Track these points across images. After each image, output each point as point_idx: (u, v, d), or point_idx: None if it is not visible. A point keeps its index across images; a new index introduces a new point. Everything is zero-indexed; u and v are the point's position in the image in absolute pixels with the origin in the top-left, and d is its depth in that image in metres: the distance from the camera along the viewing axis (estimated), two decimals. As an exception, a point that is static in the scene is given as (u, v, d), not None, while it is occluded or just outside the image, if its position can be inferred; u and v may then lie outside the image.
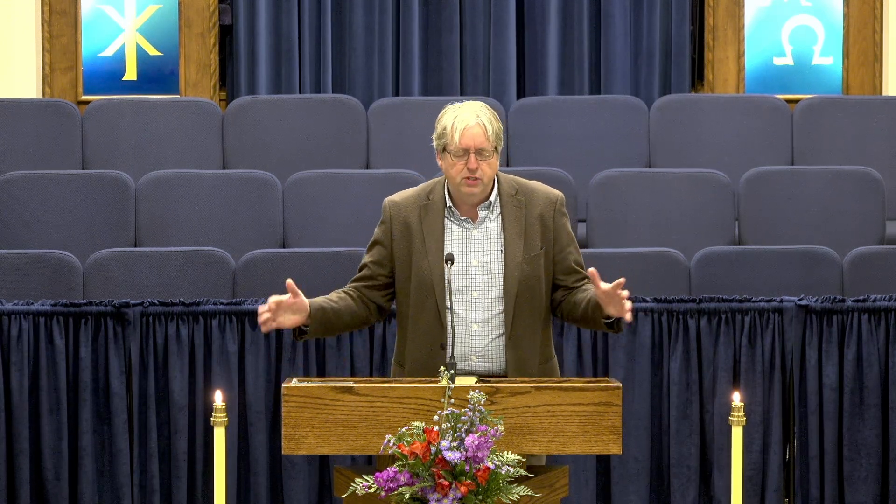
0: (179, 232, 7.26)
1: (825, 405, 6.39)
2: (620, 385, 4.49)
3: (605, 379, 4.57)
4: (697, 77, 8.97)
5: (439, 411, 4.21)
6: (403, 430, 4.20)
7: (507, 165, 7.88)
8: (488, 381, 4.54)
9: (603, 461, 6.44)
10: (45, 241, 7.11)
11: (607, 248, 6.98)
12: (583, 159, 7.86)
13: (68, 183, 7.33)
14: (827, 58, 8.87)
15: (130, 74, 8.78)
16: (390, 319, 6.09)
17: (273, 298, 4.65)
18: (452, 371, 4.36)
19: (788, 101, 8.29)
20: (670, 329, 6.41)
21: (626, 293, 4.59)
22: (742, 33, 8.84)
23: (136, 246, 7.22)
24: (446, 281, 4.71)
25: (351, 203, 7.25)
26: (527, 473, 4.27)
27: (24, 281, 6.64)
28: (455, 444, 4.13)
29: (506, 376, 4.70)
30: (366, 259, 4.85)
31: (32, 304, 6.36)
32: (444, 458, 4.12)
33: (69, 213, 7.27)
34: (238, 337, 6.38)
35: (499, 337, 4.74)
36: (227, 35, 8.92)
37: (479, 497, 4.15)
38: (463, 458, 4.12)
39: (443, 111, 4.76)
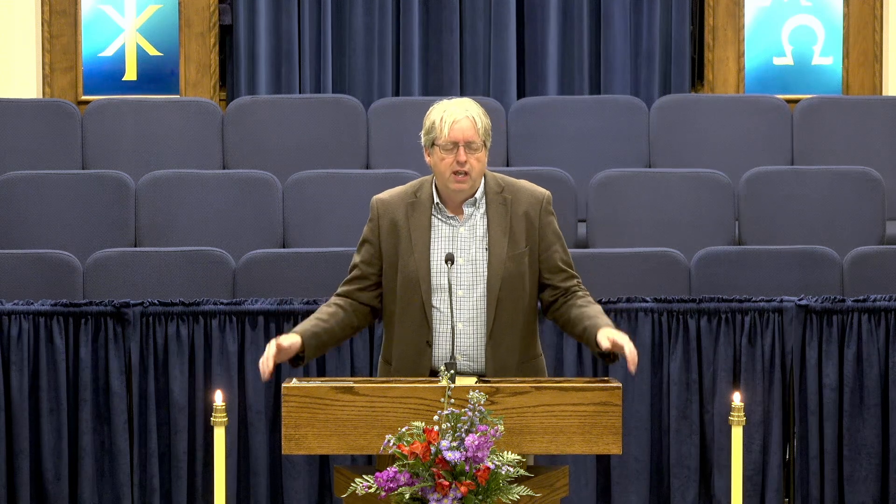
0: (179, 232, 7.26)
1: (825, 405, 6.39)
2: (620, 385, 4.49)
3: (605, 379, 4.57)
4: (697, 77, 8.98)
5: (439, 411, 4.21)
6: (403, 430, 4.20)
7: (507, 165, 7.89)
8: (488, 381, 4.54)
9: (603, 461, 6.44)
10: (45, 241, 7.11)
11: (607, 248, 6.98)
12: (583, 159, 7.86)
13: (68, 183, 7.33)
14: (827, 58, 8.87)
15: (130, 74, 8.78)
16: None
17: (272, 353, 4.61)
18: (453, 371, 4.37)
19: (788, 101, 8.29)
20: (670, 329, 6.41)
21: (634, 355, 4.55)
22: (742, 33, 8.85)
23: (136, 246, 7.22)
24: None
25: (351, 203, 7.25)
26: (527, 473, 4.27)
27: (24, 281, 6.64)
28: (455, 444, 4.13)
29: (484, 376, 4.70)
30: (356, 259, 4.85)
31: (32, 304, 6.36)
32: (444, 458, 4.12)
33: (69, 213, 7.27)
34: (238, 337, 6.38)
35: (483, 335, 4.74)
36: (227, 35, 8.92)
37: (479, 497, 4.15)
38: (463, 458, 4.12)
39: (430, 109, 4.75)
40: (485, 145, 4.70)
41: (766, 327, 6.40)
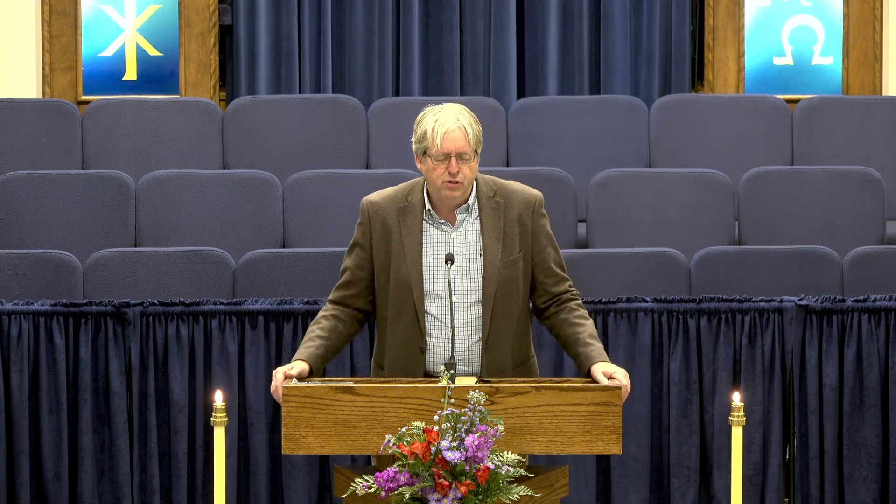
0: (179, 232, 7.25)
1: (825, 405, 6.39)
2: (620, 385, 4.49)
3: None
4: (697, 77, 8.98)
5: (439, 411, 4.21)
6: (403, 430, 4.20)
7: (507, 166, 7.88)
8: (488, 382, 4.54)
9: (603, 461, 6.44)
10: (45, 241, 7.11)
11: (607, 248, 6.98)
12: (583, 159, 7.86)
13: (68, 183, 7.33)
14: (827, 58, 8.87)
15: (130, 74, 8.78)
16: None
17: (281, 381, 4.59)
18: (453, 371, 4.37)
19: (788, 101, 8.29)
20: (670, 329, 6.41)
21: (626, 389, 4.55)
22: (742, 33, 8.85)
23: (136, 246, 7.22)
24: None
25: (351, 203, 7.20)
26: (527, 473, 4.27)
27: (24, 281, 6.64)
28: (455, 444, 4.13)
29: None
30: (347, 262, 4.83)
31: (32, 304, 6.36)
32: (444, 458, 4.12)
33: (69, 213, 7.27)
34: (238, 337, 6.38)
35: (477, 342, 4.73)
36: (227, 35, 8.92)
37: (479, 497, 4.15)
38: (463, 458, 4.13)
39: (421, 114, 4.73)
40: (476, 153, 4.69)
41: (766, 327, 6.40)
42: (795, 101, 8.26)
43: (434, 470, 4.14)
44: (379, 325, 4.83)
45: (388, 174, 7.26)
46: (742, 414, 4.39)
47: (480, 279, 4.71)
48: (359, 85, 8.79)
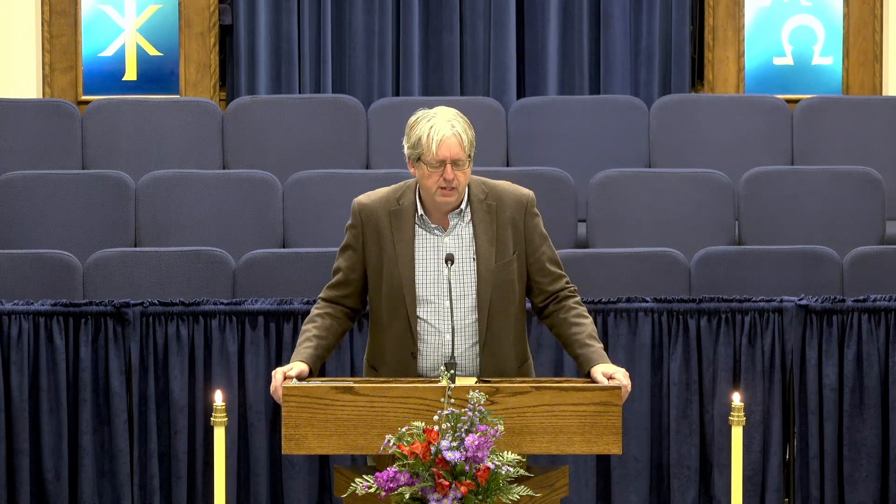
0: (179, 232, 7.25)
1: (825, 405, 6.39)
2: (621, 385, 4.49)
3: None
4: (697, 77, 8.98)
5: (439, 411, 4.21)
6: (403, 430, 4.20)
7: (508, 166, 7.88)
8: (488, 381, 4.54)
9: (603, 461, 6.44)
10: (45, 241, 7.11)
11: (607, 248, 6.97)
12: (583, 159, 7.86)
13: (68, 183, 7.33)
14: (827, 58, 8.87)
15: (130, 74, 8.78)
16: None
17: (280, 382, 4.59)
18: (453, 371, 4.37)
19: (788, 101, 8.29)
20: (670, 329, 6.41)
21: (626, 390, 4.55)
22: (742, 33, 8.85)
23: (136, 246, 7.22)
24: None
25: (351, 203, 7.23)
26: (527, 473, 4.27)
27: (24, 281, 6.64)
28: (455, 444, 4.13)
29: None
30: (339, 263, 4.83)
31: (32, 304, 6.36)
32: (444, 458, 4.13)
33: (69, 213, 7.27)
34: (238, 337, 6.38)
35: (472, 346, 4.72)
36: (227, 35, 8.92)
37: (479, 497, 4.15)
38: (463, 458, 4.13)
39: (414, 119, 4.70)
40: (470, 158, 4.68)
41: (766, 327, 6.40)
42: (795, 101, 8.26)
43: (434, 470, 4.14)
44: (372, 326, 4.83)
45: (388, 174, 7.26)
46: (742, 414, 4.39)
47: (475, 283, 4.70)
48: (359, 85, 8.79)
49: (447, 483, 4.13)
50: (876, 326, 6.39)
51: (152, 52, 8.80)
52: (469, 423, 4.15)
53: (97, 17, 8.78)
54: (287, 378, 4.58)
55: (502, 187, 4.79)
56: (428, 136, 4.62)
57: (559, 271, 4.80)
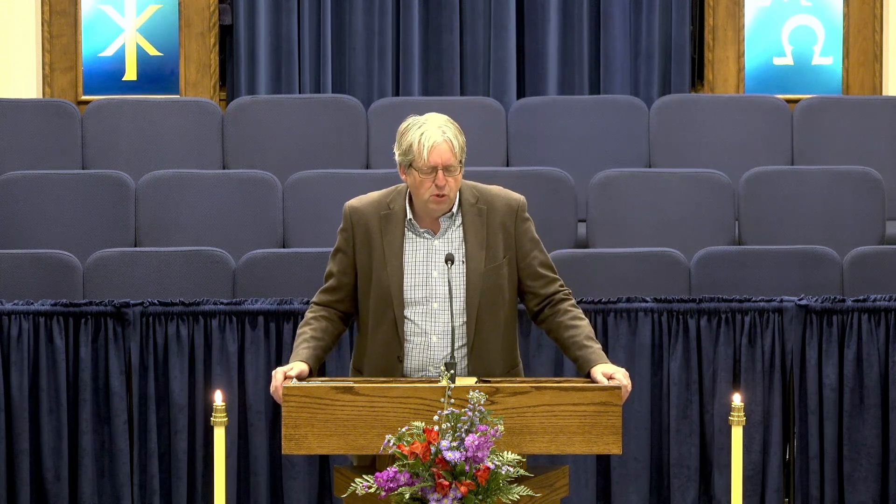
0: (179, 232, 7.25)
1: (825, 405, 6.39)
2: (621, 385, 4.49)
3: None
4: (697, 77, 8.98)
5: (439, 411, 4.22)
6: (403, 430, 4.21)
7: (507, 166, 7.89)
8: (488, 381, 4.54)
9: (603, 461, 6.44)
10: (45, 241, 7.11)
11: (607, 248, 6.97)
12: (583, 159, 7.86)
13: (68, 183, 7.33)
14: (827, 58, 8.87)
15: (130, 74, 8.78)
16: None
17: (281, 381, 4.59)
18: (452, 371, 4.37)
19: (788, 101, 8.29)
20: (670, 329, 6.41)
21: (626, 389, 4.54)
22: (742, 33, 8.85)
23: (136, 246, 7.22)
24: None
25: (347, 205, 7.24)
26: (527, 473, 4.27)
27: (24, 281, 6.64)
28: (455, 444, 4.13)
29: None
30: (331, 267, 4.83)
31: (32, 304, 6.36)
32: (444, 458, 4.13)
33: (69, 213, 7.27)
34: (238, 337, 6.38)
35: (459, 348, 4.72)
36: (227, 35, 8.92)
37: (479, 497, 4.15)
38: (463, 458, 4.13)
39: (405, 125, 4.70)
40: (461, 164, 4.69)
41: (766, 327, 6.40)
42: (795, 101, 8.26)
43: (434, 470, 4.14)
44: (360, 330, 4.83)
45: (388, 174, 7.25)
46: (742, 414, 4.39)
47: (464, 286, 4.70)
48: (359, 85, 8.79)
49: (447, 483, 4.13)
50: (876, 326, 6.39)
51: (152, 52, 8.80)
52: (469, 423, 4.15)
53: (97, 17, 8.78)
54: (287, 378, 4.58)
55: (494, 192, 4.79)
56: (419, 142, 4.63)
57: (552, 275, 4.80)
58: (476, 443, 4.12)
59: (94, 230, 7.24)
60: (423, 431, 4.17)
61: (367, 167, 7.90)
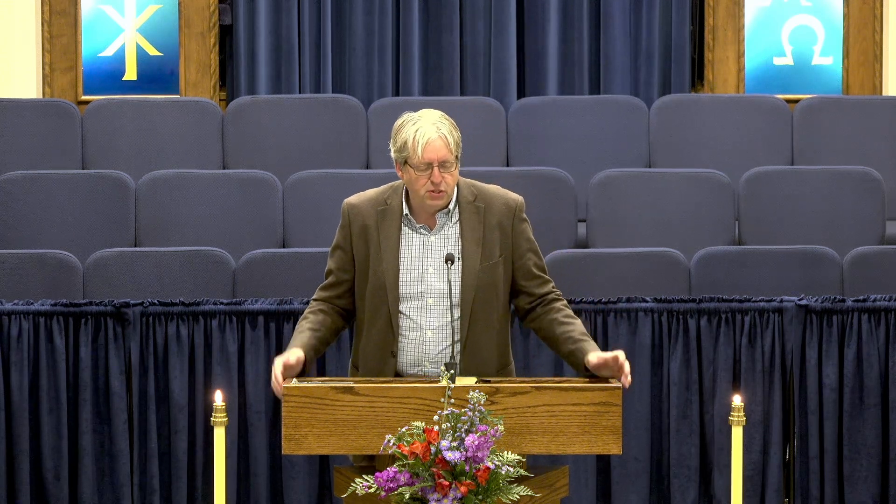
0: (179, 232, 7.26)
1: (825, 405, 6.39)
2: (621, 385, 4.49)
3: (605, 379, 4.57)
4: (697, 77, 8.98)
5: (439, 411, 4.22)
6: (403, 430, 4.21)
7: (507, 166, 7.89)
8: (489, 381, 4.54)
9: (603, 461, 6.44)
10: (45, 241, 7.11)
11: (607, 248, 6.98)
12: (583, 159, 7.86)
13: (68, 183, 7.33)
14: (827, 58, 8.87)
15: (130, 74, 8.78)
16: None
17: (280, 371, 4.59)
18: (453, 371, 4.37)
19: (788, 101, 8.29)
20: (670, 329, 6.41)
21: (626, 365, 4.53)
22: (742, 33, 8.85)
23: (136, 246, 7.22)
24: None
25: (345, 204, 7.24)
26: (527, 473, 4.27)
27: (24, 281, 6.64)
28: (455, 444, 4.13)
29: None
30: (331, 264, 4.84)
31: (32, 304, 6.36)
32: (444, 458, 4.13)
33: (69, 213, 7.27)
34: (238, 337, 6.38)
35: (453, 344, 4.72)
36: (227, 35, 8.92)
37: (479, 497, 4.15)
38: (463, 458, 4.13)
39: (399, 122, 4.71)
40: (457, 159, 4.69)
41: (766, 327, 6.40)
42: (795, 101, 8.26)
43: (434, 470, 4.14)
44: (357, 327, 4.84)
45: (388, 174, 7.25)
46: (742, 414, 4.39)
47: (459, 283, 4.71)
48: (359, 85, 8.79)
49: (447, 483, 4.13)
50: (876, 326, 6.39)
51: (152, 52, 8.80)
52: (469, 423, 4.15)
53: (97, 17, 8.78)
54: (287, 367, 4.58)
55: (492, 191, 4.80)
56: (414, 139, 4.63)
57: (545, 277, 4.81)
58: (476, 443, 4.12)
59: (94, 230, 7.24)
60: (423, 431, 4.17)
61: (367, 167, 7.90)
